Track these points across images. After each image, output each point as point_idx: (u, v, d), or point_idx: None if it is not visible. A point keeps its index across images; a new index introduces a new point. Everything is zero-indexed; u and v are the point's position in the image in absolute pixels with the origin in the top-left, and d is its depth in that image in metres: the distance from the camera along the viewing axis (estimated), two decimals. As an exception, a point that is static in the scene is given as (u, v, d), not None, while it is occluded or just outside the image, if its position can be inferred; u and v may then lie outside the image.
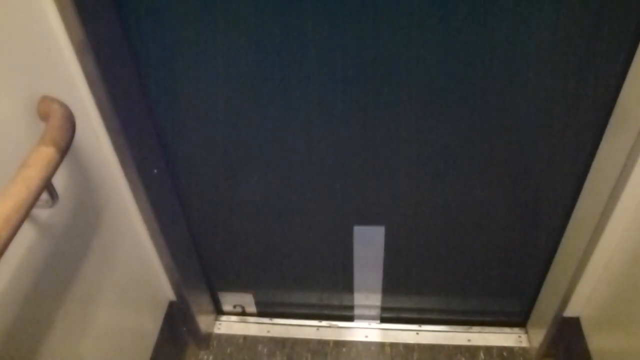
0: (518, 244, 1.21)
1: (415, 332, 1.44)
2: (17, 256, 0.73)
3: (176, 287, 1.26)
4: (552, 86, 0.90)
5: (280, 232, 1.24)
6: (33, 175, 0.62)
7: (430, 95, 0.94)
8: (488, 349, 1.40)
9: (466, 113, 0.96)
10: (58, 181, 0.78)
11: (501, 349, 1.40)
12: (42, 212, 0.77)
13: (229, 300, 1.48)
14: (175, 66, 0.94)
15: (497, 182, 1.08)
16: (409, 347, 1.41)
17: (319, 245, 1.27)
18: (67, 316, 0.87)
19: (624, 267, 1.04)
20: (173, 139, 1.06)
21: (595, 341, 1.18)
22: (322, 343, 1.44)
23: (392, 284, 1.36)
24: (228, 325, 1.50)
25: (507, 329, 1.44)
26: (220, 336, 1.47)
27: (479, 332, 1.43)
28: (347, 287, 1.36)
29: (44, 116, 0.73)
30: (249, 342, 1.45)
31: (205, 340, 1.43)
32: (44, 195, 0.71)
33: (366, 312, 1.46)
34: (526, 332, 1.43)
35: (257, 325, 1.49)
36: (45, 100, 0.74)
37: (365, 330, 1.46)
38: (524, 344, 1.41)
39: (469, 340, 1.42)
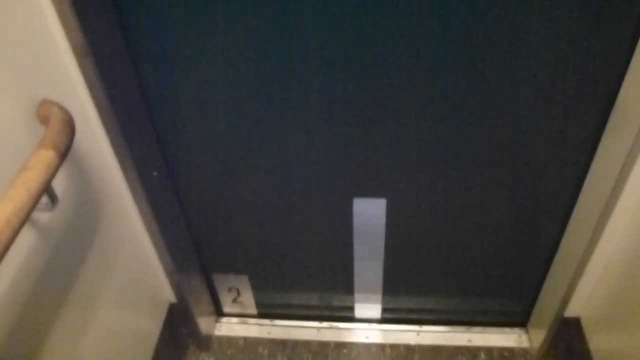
0: (518, 244, 1.21)
1: (415, 333, 1.44)
2: (17, 259, 0.73)
3: (176, 288, 1.26)
4: (552, 86, 0.90)
5: (282, 231, 1.25)
6: (33, 179, 0.62)
7: (429, 96, 0.94)
8: (489, 350, 1.40)
9: (466, 113, 0.96)
10: (58, 184, 0.78)
11: (502, 349, 1.40)
12: (42, 215, 0.77)
13: (229, 301, 1.48)
14: (175, 69, 0.94)
15: (496, 182, 1.08)
16: (409, 348, 1.41)
17: (318, 235, 1.26)
18: (67, 318, 0.87)
19: (624, 267, 1.04)
20: (172, 141, 1.06)
21: (595, 341, 1.18)
22: (323, 344, 1.44)
23: (392, 284, 1.36)
24: (228, 327, 1.50)
25: (507, 329, 1.44)
26: (220, 338, 1.47)
27: (480, 332, 1.43)
28: (347, 272, 1.34)
29: (43, 119, 0.73)
30: (250, 344, 1.45)
31: (206, 342, 1.43)
32: (44, 199, 0.72)
33: (367, 313, 1.46)
34: (527, 332, 1.43)
35: (257, 327, 1.49)
36: (45, 103, 0.74)
37: (365, 331, 1.46)
38: (525, 344, 1.41)
39: (469, 341, 1.42)
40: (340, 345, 1.43)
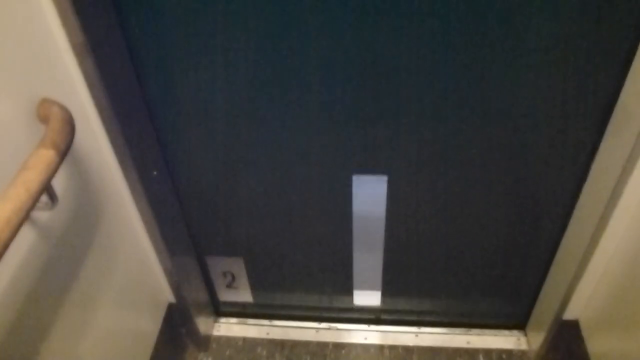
0: (517, 246, 1.21)
1: (414, 335, 1.44)
2: (17, 258, 0.73)
3: (175, 289, 1.26)
4: (552, 86, 0.90)
5: (279, 212, 1.21)
6: (33, 178, 0.62)
7: (430, 96, 0.94)
8: (487, 352, 1.40)
9: (465, 114, 0.96)
10: (58, 183, 0.78)
11: (500, 351, 1.40)
12: (41, 215, 0.77)
13: (223, 286, 1.47)
14: (175, 68, 0.94)
15: (496, 183, 1.08)
16: (408, 350, 1.41)
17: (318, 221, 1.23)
18: (66, 318, 0.87)
19: (623, 270, 1.04)
20: (172, 140, 1.06)
21: (594, 344, 1.18)
22: (322, 345, 1.44)
23: (391, 285, 1.36)
24: (227, 327, 1.50)
25: (506, 332, 1.44)
26: (219, 338, 1.47)
27: (479, 334, 1.43)
28: (346, 253, 1.29)
29: (43, 119, 0.73)
30: (248, 344, 1.45)
31: (205, 342, 1.43)
32: (44, 198, 0.71)
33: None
34: (525, 335, 1.43)
35: (256, 327, 1.49)
36: (45, 103, 0.74)
37: (364, 333, 1.46)
38: (523, 346, 1.41)
39: (468, 343, 1.42)
40: (338, 346, 1.43)
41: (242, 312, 1.50)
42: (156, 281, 1.24)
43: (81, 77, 0.84)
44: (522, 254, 1.23)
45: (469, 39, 0.85)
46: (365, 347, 1.43)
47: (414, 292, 1.38)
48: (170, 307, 1.32)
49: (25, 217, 0.59)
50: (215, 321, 1.51)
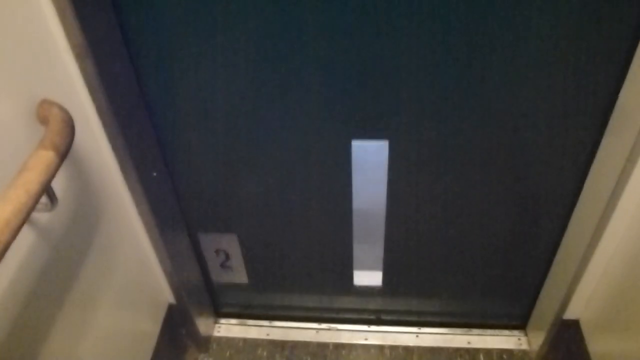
0: (518, 246, 1.21)
1: (415, 335, 1.44)
2: (16, 259, 0.73)
3: (175, 290, 1.26)
4: (552, 86, 0.90)
5: (274, 184, 1.15)
6: (32, 179, 0.62)
7: (430, 96, 0.94)
8: (488, 352, 1.40)
9: (465, 114, 0.96)
10: (57, 185, 0.78)
11: (501, 351, 1.40)
12: (41, 216, 0.77)
13: (217, 267, 1.46)
14: (174, 69, 0.94)
15: (496, 183, 1.08)
16: (408, 350, 1.41)
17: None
18: (66, 319, 0.87)
19: (624, 269, 1.04)
20: (172, 141, 1.06)
21: (595, 344, 1.18)
22: (322, 346, 1.44)
23: (391, 285, 1.36)
24: (227, 328, 1.50)
25: (506, 332, 1.43)
26: (219, 339, 1.47)
27: (479, 334, 1.43)
28: (346, 228, 1.23)
29: (43, 120, 0.73)
30: (249, 345, 1.45)
31: (205, 343, 1.43)
32: (44, 199, 0.71)
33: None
34: (526, 335, 1.43)
35: (256, 328, 1.49)
36: (45, 104, 0.74)
37: (364, 333, 1.45)
38: (524, 346, 1.41)
39: (468, 343, 1.42)
40: (339, 347, 1.43)
41: (242, 312, 1.50)
42: (156, 282, 1.24)
43: (81, 78, 0.83)
44: (522, 254, 1.23)
45: (469, 38, 0.85)
46: (366, 348, 1.43)
47: (414, 292, 1.38)
48: (171, 307, 1.32)
49: (25, 218, 0.59)
50: (216, 322, 1.51)
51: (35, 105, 0.74)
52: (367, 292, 1.40)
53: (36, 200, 0.62)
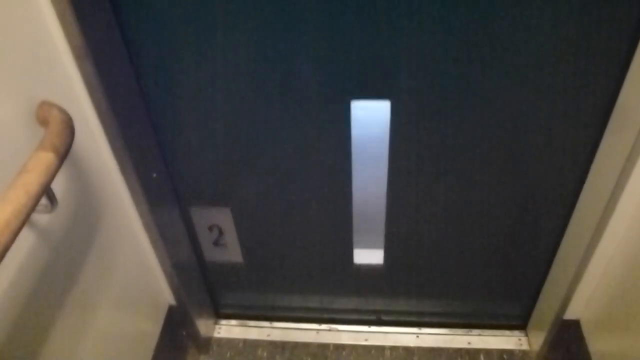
0: (518, 246, 1.21)
1: (415, 335, 1.44)
2: (16, 261, 0.73)
3: (176, 291, 1.26)
4: (552, 86, 0.90)
5: (268, 152, 1.08)
6: (32, 181, 0.62)
7: (430, 97, 0.94)
8: (488, 352, 1.40)
9: (466, 114, 0.96)
10: (57, 186, 0.78)
11: (501, 351, 1.40)
12: (41, 217, 0.77)
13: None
14: (174, 70, 0.94)
15: (496, 183, 1.08)
16: (409, 350, 1.41)
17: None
18: (66, 320, 0.87)
19: (624, 269, 1.04)
20: (172, 142, 1.06)
21: (595, 344, 1.18)
22: (322, 346, 1.43)
23: (391, 286, 1.36)
24: (228, 329, 1.49)
25: (507, 332, 1.43)
26: (220, 340, 1.47)
27: (479, 335, 1.43)
28: (346, 203, 1.16)
29: (43, 121, 0.73)
30: (249, 346, 1.45)
31: (205, 344, 1.43)
32: (43, 201, 0.71)
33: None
34: (526, 335, 1.43)
35: (256, 329, 1.49)
36: (44, 105, 0.74)
37: (365, 334, 1.45)
38: (524, 346, 1.41)
39: (469, 343, 1.42)
40: (339, 348, 1.43)
41: (242, 313, 1.50)
42: (156, 283, 1.24)
43: (80, 80, 0.83)
44: (522, 254, 1.23)
45: (468, 38, 0.85)
46: (366, 348, 1.43)
47: (414, 292, 1.38)
48: (171, 309, 1.32)
49: (25, 219, 0.59)
50: (216, 323, 1.51)
51: (35, 107, 0.74)
52: (367, 271, 1.34)
53: (36, 202, 0.62)
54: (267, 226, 1.25)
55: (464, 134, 0.99)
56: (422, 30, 0.86)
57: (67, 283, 0.87)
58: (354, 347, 1.43)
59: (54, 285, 0.83)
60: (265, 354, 1.43)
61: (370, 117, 1.00)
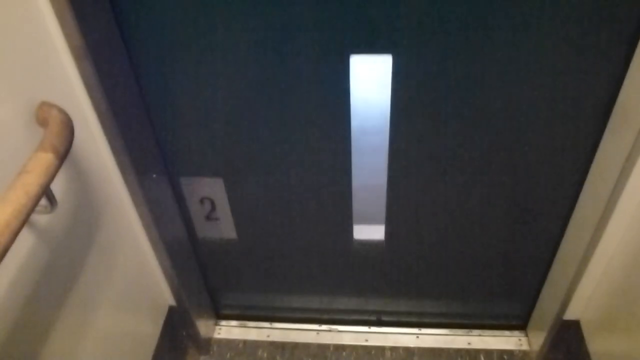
0: (518, 246, 1.21)
1: (415, 336, 1.44)
2: (16, 261, 0.73)
3: (176, 292, 1.26)
4: (552, 86, 0.90)
5: (262, 116, 1.02)
6: (32, 181, 0.62)
7: (430, 97, 0.94)
8: (488, 353, 1.40)
9: (466, 114, 0.96)
10: (57, 187, 0.78)
11: (501, 352, 1.40)
12: (41, 218, 0.77)
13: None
14: (173, 70, 0.94)
15: (496, 184, 1.08)
16: (409, 351, 1.41)
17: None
18: (66, 321, 0.86)
19: (624, 269, 1.04)
20: (171, 143, 1.06)
21: (595, 344, 1.18)
22: (322, 347, 1.43)
23: (391, 286, 1.36)
24: (228, 330, 1.49)
25: (507, 332, 1.43)
26: (220, 341, 1.47)
27: (479, 335, 1.43)
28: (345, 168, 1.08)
29: (42, 122, 0.73)
30: (249, 347, 1.45)
31: (205, 345, 1.43)
32: (43, 201, 0.71)
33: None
34: (526, 335, 1.43)
35: (256, 330, 1.48)
36: (44, 106, 0.74)
37: (365, 334, 1.45)
38: (524, 347, 1.40)
39: (469, 344, 1.42)
40: (339, 348, 1.43)
41: (242, 314, 1.50)
42: (156, 284, 1.24)
43: (80, 80, 0.83)
44: (522, 255, 1.23)
45: (468, 37, 0.85)
46: (367, 349, 1.42)
47: (414, 293, 1.38)
48: (171, 310, 1.32)
49: (24, 220, 0.59)
50: (216, 324, 1.51)
51: (35, 107, 0.74)
52: (368, 247, 1.27)
53: (36, 202, 0.62)
54: (262, 198, 1.17)
55: (463, 134, 0.99)
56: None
57: (67, 283, 0.87)
58: (354, 348, 1.43)
59: (54, 286, 0.83)
60: (265, 355, 1.42)
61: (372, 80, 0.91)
